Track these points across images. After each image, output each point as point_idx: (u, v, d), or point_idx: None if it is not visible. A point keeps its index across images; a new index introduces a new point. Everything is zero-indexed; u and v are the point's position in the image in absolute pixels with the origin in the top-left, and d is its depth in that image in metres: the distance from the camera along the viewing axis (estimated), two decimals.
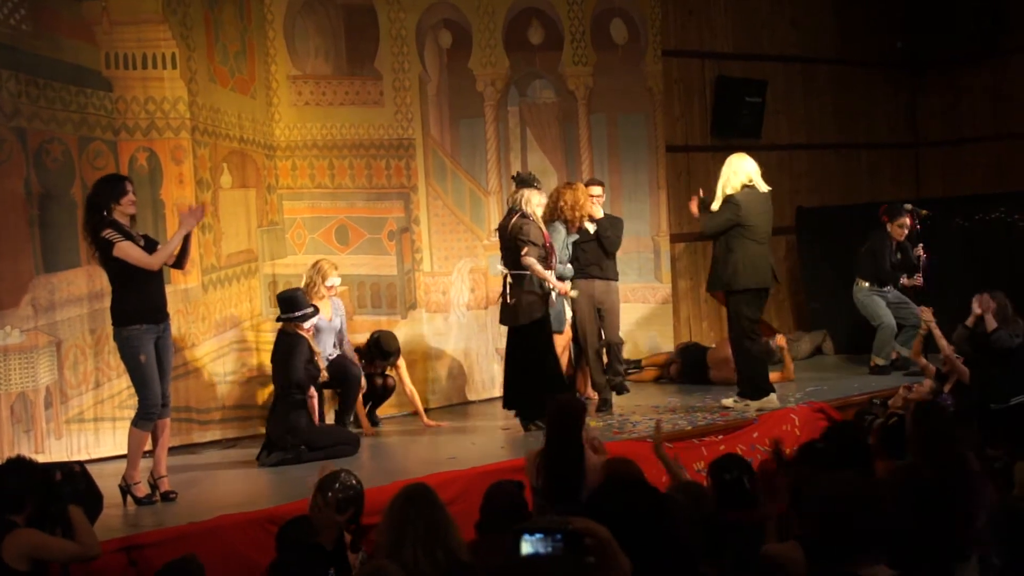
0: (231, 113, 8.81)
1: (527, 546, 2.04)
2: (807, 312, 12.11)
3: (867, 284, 10.35)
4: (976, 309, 8.52)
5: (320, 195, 9.11)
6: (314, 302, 8.14)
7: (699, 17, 11.78)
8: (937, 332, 8.64)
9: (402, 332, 9.43)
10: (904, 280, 10.21)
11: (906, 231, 10.26)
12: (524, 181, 8.29)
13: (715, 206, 8.48)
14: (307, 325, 7.92)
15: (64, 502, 4.95)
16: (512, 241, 8.14)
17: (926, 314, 8.81)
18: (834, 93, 12.78)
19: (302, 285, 8.39)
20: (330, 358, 8.29)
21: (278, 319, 7.99)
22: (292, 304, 7.88)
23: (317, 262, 8.53)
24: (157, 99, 8.32)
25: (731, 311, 8.67)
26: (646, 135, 11.10)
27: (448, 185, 9.84)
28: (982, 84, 12.76)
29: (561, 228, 8.60)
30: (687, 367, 10.28)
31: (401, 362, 8.90)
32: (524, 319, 8.17)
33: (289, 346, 7.80)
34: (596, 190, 9.02)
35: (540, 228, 8.17)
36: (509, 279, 8.18)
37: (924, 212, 10.33)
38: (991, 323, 8.41)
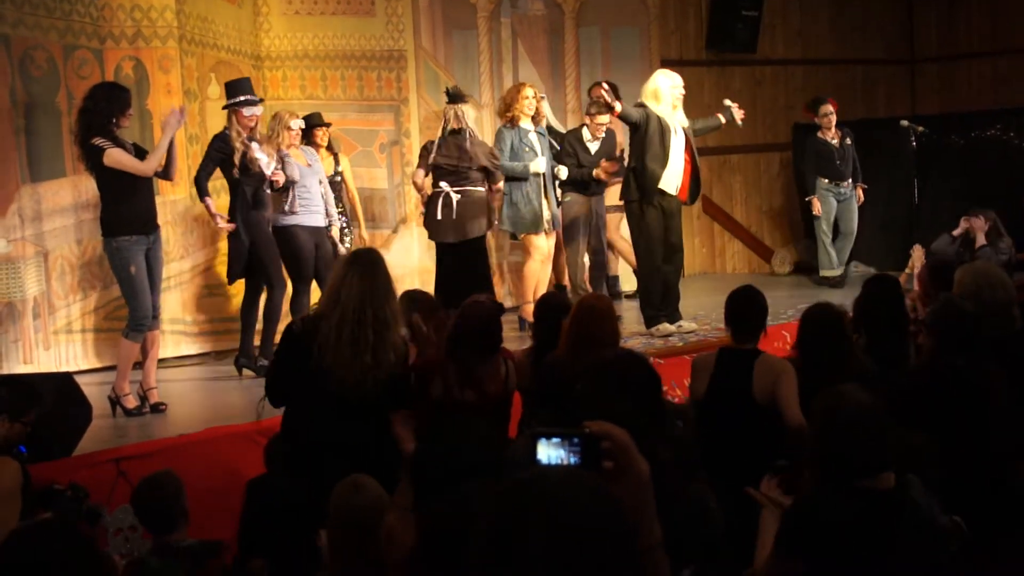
0: (219, 22, 8.66)
1: (543, 452, 1.94)
2: (800, 227, 12.06)
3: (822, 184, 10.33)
4: (963, 224, 8.45)
5: (311, 107, 8.95)
6: (284, 150, 7.81)
7: None
8: (919, 276, 8.25)
9: (393, 247, 9.36)
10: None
11: (831, 120, 10.26)
12: (458, 96, 8.09)
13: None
14: (248, 113, 7.40)
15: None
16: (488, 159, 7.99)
17: (916, 252, 8.57)
18: (830, 7, 12.61)
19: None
20: (316, 210, 7.92)
21: (224, 107, 7.52)
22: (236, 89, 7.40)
23: (276, 112, 8.13)
24: (143, 7, 8.16)
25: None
26: (640, 48, 10.95)
27: (440, 97, 9.67)
28: None
29: (504, 131, 8.42)
30: None
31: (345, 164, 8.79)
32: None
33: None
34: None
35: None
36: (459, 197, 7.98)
37: (920, 129, 10.25)
38: (980, 239, 8.37)
